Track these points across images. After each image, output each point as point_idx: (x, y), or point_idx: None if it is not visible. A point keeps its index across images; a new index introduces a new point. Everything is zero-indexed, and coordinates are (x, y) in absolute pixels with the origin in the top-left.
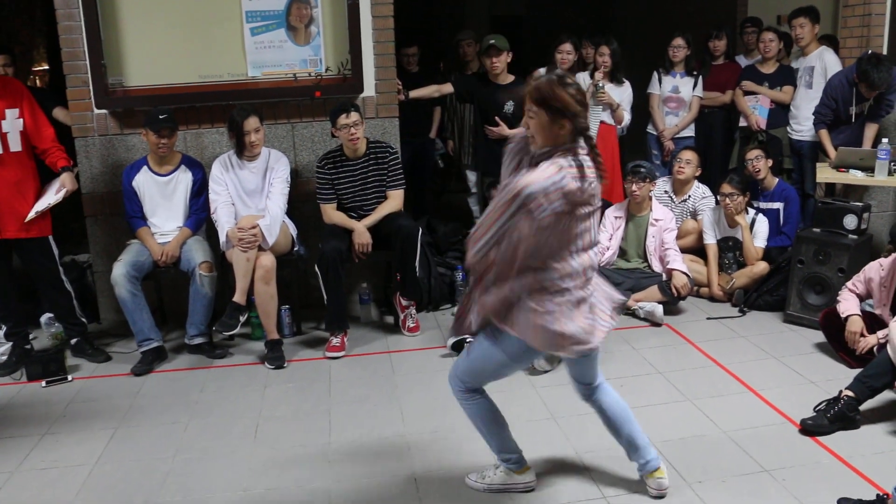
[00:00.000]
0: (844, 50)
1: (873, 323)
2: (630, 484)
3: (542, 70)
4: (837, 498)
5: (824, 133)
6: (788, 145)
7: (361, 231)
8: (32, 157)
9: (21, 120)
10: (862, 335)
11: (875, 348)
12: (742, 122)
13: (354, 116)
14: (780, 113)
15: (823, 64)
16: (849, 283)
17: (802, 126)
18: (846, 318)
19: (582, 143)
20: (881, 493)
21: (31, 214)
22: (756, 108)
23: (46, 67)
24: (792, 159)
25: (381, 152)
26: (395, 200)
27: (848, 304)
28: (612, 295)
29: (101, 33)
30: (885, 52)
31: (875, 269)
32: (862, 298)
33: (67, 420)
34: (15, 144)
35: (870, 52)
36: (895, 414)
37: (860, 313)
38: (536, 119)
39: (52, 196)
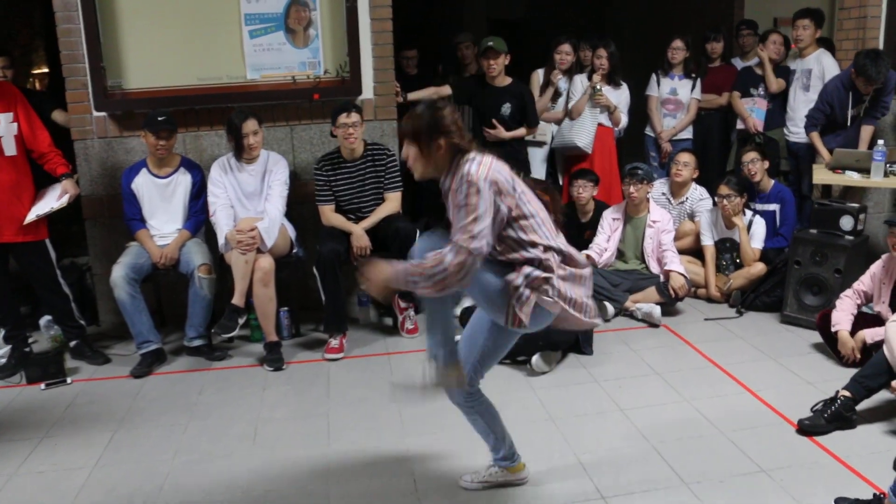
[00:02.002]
0: (840, 52)
1: (873, 324)
2: (628, 484)
3: (540, 71)
4: (834, 497)
5: (815, 136)
6: (785, 147)
7: (359, 234)
8: (28, 161)
9: (16, 124)
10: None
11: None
12: (739, 125)
13: (355, 117)
14: (777, 115)
15: (821, 67)
16: (855, 284)
17: (799, 128)
18: (835, 332)
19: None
20: (878, 493)
21: (31, 217)
22: (753, 111)
23: (46, 70)
24: (789, 161)
25: (379, 154)
26: (392, 202)
27: (840, 316)
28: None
29: (101, 36)
30: None
31: (878, 265)
32: (869, 299)
33: (66, 423)
34: (10, 149)
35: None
36: (892, 413)
37: (849, 328)
38: (413, 149)
39: (55, 202)
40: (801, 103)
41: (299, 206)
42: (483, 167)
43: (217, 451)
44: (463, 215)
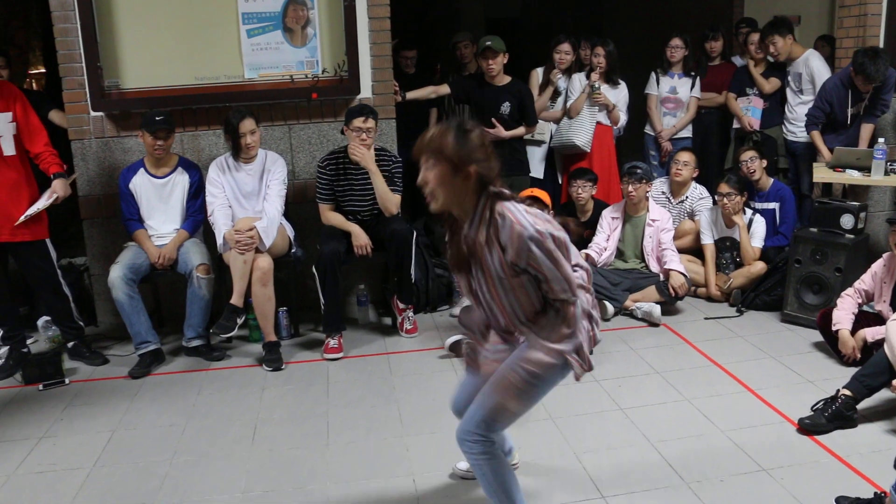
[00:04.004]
0: (841, 50)
1: (874, 323)
2: (629, 484)
3: (539, 70)
4: (835, 496)
5: (816, 134)
6: (783, 145)
7: (359, 233)
8: (27, 161)
9: (14, 123)
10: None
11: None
12: (736, 123)
13: (371, 123)
14: (775, 113)
15: (810, 70)
16: (856, 282)
17: (797, 127)
18: (836, 331)
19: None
20: (879, 492)
21: (21, 219)
22: (749, 110)
23: (43, 70)
24: (787, 159)
25: (385, 160)
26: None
27: (841, 315)
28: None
29: (98, 35)
30: None
31: (879, 264)
32: (870, 298)
33: (65, 423)
34: (8, 148)
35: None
36: (892, 412)
37: (850, 328)
38: (435, 171)
39: (43, 202)
40: (796, 104)
41: (298, 205)
42: (531, 216)
43: (216, 451)
44: (551, 266)
